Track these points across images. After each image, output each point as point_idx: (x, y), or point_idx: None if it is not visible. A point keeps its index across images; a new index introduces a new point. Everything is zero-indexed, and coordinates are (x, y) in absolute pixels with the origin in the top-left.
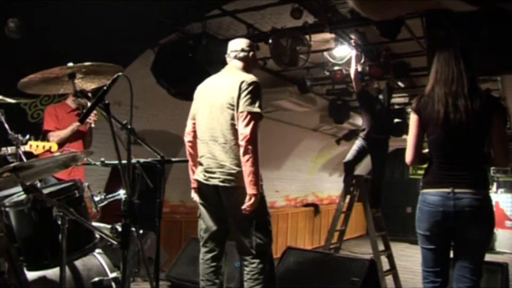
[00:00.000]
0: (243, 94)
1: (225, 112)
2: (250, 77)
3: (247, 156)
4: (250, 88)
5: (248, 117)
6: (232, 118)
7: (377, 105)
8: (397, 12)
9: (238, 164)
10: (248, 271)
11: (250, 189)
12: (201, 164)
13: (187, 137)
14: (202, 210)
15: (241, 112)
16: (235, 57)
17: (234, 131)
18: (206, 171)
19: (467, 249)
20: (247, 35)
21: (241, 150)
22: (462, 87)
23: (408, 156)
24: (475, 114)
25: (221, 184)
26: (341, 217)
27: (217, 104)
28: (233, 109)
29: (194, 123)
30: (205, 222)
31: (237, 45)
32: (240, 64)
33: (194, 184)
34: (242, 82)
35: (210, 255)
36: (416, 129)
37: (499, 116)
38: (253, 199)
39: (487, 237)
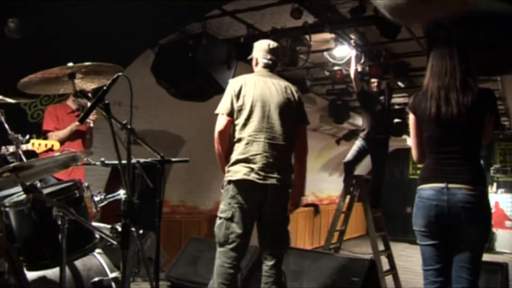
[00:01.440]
0: (303, 106)
1: (285, 115)
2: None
3: (304, 163)
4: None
5: (306, 128)
6: (292, 123)
7: (378, 105)
8: (429, 16)
9: (291, 166)
10: (278, 269)
11: (303, 191)
12: (251, 162)
13: (221, 135)
14: (240, 213)
15: (304, 124)
16: (274, 64)
17: (292, 135)
18: (263, 171)
19: (463, 248)
20: (247, 35)
21: (300, 156)
22: (454, 79)
23: (415, 156)
24: (466, 108)
25: (277, 183)
26: (341, 217)
27: (275, 105)
28: (292, 115)
29: (230, 120)
30: (241, 227)
31: (272, 51)
32: (274, 70)
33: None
34: (298, 92)
35: (236, 255)
36: (415, 129)
37: (492, 112)
38: (302, 199)
39: (483, 236)
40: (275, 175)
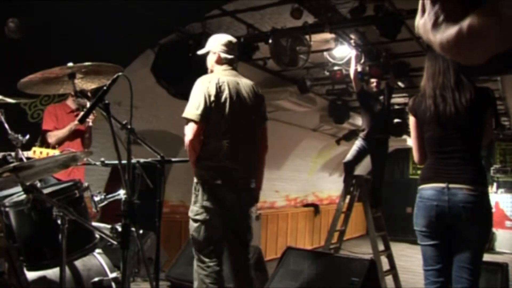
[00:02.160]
0: (265, 103)
1: (255, 116)
2: None
3: (264, 159)
4: None
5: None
6: (259, 122)
7: (377, 105)
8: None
9: (257, 166)
10: (244, 259)
11: (261, 186)
12: (227, 168)
13: (193, 143)
14: (216, 214)
15: (266, 121)
16: (235, 60)
17: (259, 135)
18: (237, 176)
19: (463, 248)
20: (247, 35)
21: (262, 153)
22: (448, 79)
23: (416, 157)
24: (464, 107)
25: (249, 186)
26: (341, 217)
27: (248, 109)
28: (259, 115)
29: (202, 127)
30: (219, 227)
31: (234, 46)
32: (235, 67)
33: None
34: (259, 90)
35: (218, 253)
36: (415, 131)
37: (491, 112)
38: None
39: (484, 236)
40: (247, 179)
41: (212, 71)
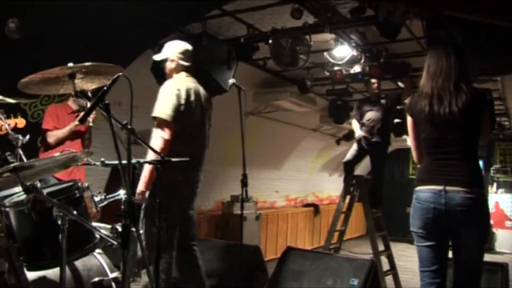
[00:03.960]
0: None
1: (208, 122)
2: None
3: None
4: None
5: None
6: (209, 128)
7: (379, 110)
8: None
9: None
10: (198, 255)
11: None
12: (194, 166)
13: (168, 143)
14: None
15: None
16: (192, 67)
17: (209, 139)
18: (196, 174)
19: (462, 251)
20: (247, 35)
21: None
22: (448, 80)
23: (415, 158)
24: (459, 108)
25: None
26: (341, 217)
27: (204, 114)
28: (209, 121)
29: (175, 127)
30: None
31: (191, 54)
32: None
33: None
34: (210, 98)
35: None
36: (412, 131)
37: (488, 114)
38: None
39: (481, 238)
40: (200, 176)
41: (171, 77)
